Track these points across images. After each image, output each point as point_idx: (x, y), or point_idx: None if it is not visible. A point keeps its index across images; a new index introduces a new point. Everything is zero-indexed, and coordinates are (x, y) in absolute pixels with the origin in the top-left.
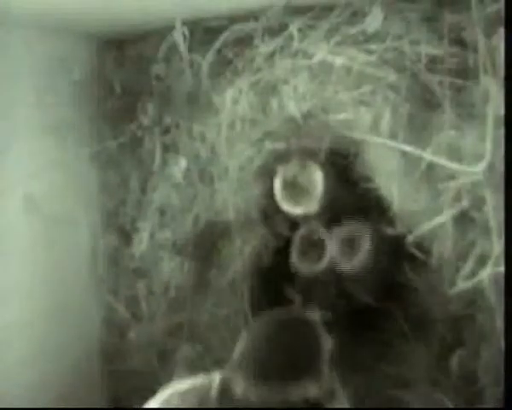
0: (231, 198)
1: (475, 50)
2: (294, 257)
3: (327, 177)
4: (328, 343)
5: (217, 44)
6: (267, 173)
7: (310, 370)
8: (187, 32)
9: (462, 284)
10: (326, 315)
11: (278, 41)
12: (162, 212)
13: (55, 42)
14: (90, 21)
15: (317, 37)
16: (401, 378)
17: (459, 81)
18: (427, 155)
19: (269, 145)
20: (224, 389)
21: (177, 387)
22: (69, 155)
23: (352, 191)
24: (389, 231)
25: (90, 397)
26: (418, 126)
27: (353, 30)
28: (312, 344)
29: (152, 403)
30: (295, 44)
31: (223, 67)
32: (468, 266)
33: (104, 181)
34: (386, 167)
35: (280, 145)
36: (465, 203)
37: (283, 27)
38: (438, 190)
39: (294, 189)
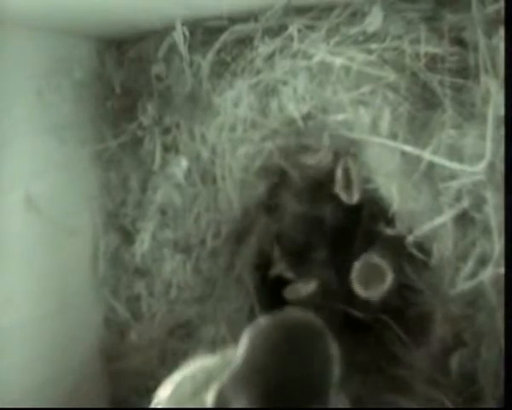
0: (234, 197)
1: (475, 50)
2: None
3: None
4: (336, 357)
5: (217, 45)
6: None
7: (319, 396)
8: (187, 32)
9: (463, 285)
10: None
11: (278, 42)
12: (163, 212)
13: (56, 42)
14: (90, 22)
15: (316, 37)
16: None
17: (459, 81)
18: (427, 155)
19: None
20: (221, 402)
21: (188, 369)
22: (70, 155)
23: None
24: (389, 231)
25: (90, 397)
26: (418, 126)
27: (353, 30)
28: (322, 362)
29: (165, 386)
30: (295, 45)
31: (222, 67)
32: (468, 267)
33: (105, 181)
34: (386, 167)
35: None
36: (465, 203)
37: (283, 28)
38: (438, 189)
39: None
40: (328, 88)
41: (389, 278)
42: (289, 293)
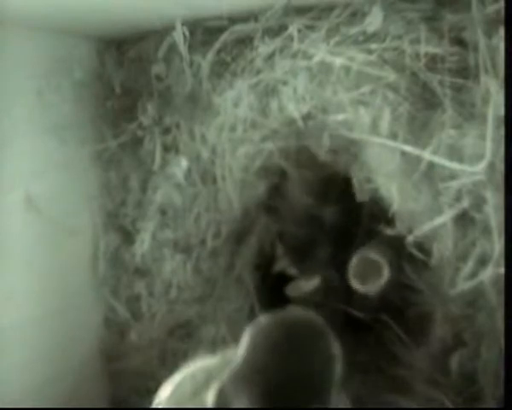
0: (234, 197)
1: (475, 50)
2: None
3: None
4: (338, 356)
5: (217, 45)
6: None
7: (320, 395)
8: (187, 32)
9: (463, 285)
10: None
11: (278, 42)
12: (163, 212)
13: (56, 42)
14: (90, 22)
15: (316, 37)
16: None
17: (459, 81)
18: (427, 155)
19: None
20: (222, 402)
21: (188, 369)
22: (70, 155)
23: None
24: (389, 231)
25: (90, 397)
26: (418, 126)
27: (353, 30)
28: (323, 361)
29: (166, 386)
30: (295, 45)
31: (222, 67)
32: (468, 267)
33: (105, 181)
34: (386, 167)
35: None
36: (465, 203)
37: (283, 28)
38: (438, 189)
39: None
40: (328, 88)
41: (385, 273)
42: (291, 290)
